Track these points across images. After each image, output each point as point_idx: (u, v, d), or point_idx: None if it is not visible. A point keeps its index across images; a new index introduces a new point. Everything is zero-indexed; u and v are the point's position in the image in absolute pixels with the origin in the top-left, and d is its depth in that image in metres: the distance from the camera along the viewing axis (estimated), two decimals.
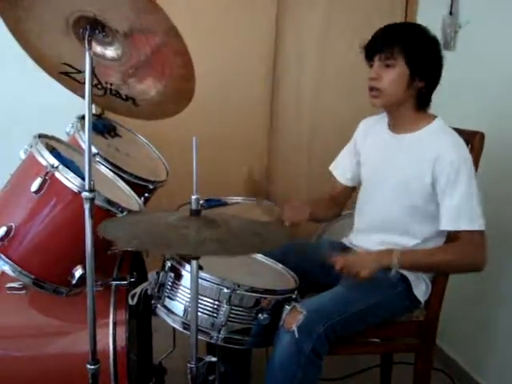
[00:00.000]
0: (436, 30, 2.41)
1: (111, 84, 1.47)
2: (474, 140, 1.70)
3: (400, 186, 1.69)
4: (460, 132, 1.70)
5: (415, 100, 1.68)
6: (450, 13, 2.38)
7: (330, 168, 2.00)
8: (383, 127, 1.80)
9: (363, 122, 1.93)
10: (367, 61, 1.69)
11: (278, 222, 1.79)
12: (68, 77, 1.46)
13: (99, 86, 1.46)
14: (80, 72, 1.43)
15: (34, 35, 1.38)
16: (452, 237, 1.65)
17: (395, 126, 1.75)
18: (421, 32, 1.67)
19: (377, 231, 1.77)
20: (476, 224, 1.58)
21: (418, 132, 1.69)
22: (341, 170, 1.97)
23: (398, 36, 1.64)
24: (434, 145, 1.63)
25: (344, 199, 2.01)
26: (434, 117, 1.71)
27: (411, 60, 1.61)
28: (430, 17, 2.55)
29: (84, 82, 1.29)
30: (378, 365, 2.19)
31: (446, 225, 1.61)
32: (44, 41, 1.40)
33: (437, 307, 1.75)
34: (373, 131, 1.85)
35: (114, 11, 1.24)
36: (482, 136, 1.71)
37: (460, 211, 1.58)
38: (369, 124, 1.90)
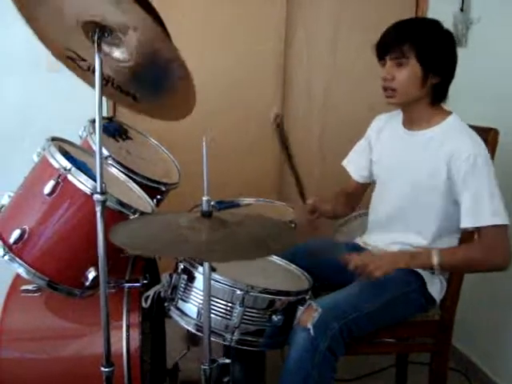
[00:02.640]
0: (447, 27, 2.41)
1: (113, 78, 1.47)
2: (488, 136, 1.68)
3: (415, 183, 1.68)
4: (473, 128, 1.69)
5: (431, 96, 1.66)
6: (462, 9, 2.36)
7: (343, 163, 1.99)
8: (398, 124, 1.78)
9: (377, 119, 1.92)
10: (379, 60, 1.67)
11: (294, 222, 1.78)
12: (74, 62, 1.47)
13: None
14: (83, 60, 1.44)
15: (44, 21, 1.37)
16: (472, 234, 1.61)
17: (410, 123, 1.74)
18: (432, 27, 1.64)
19: (390, 230, 1.76)
20: (499, 219, 1.54)
21: (433, 128, 1.67)
22: (354, 166, 1.96)
23: (409, 33, 1.62)
24: (448, 141, 1.61)
25: (359, 195, 2.00)
26: (449, 113, 1.69)
27: (423, 57, 1.59)
28: (441, 13, 2.52)
29: (86, 69, 1.31)
30: (394, 365, 2.18)
31: (467, 222, 1.57)
32: (53, 28, 1.40)
33: (452, 306, 1.74)
34: (387, 128, 1.84)
35: (119, 21, 1.25)
36: (495, 132, 1.69)
37: (482, 207, 1.55)
38: (382, 121, 1.88)
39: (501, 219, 1.54)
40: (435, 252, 1.58)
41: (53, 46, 1.47)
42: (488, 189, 1.55)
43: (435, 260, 1.56)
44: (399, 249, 1.71)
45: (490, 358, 2.28)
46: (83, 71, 1.47)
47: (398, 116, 1.79)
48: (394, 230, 1.75)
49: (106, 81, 1.47)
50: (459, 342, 2.39)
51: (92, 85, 1.46)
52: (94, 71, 1.35)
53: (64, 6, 1.28)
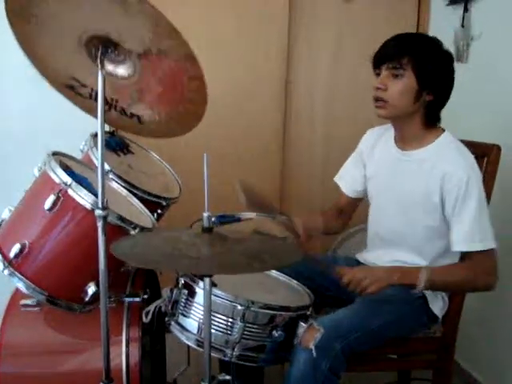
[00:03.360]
0: (448, 43, 2.40)
1: (117, 101, 1.46)
2: (490, 153, 1.69)
3: (409, 204, 1.67)
4: (475, 145, 1.69)
5: (423, 115, 1.63)
6: (462, 25, 2.37)
7: (335, 179, 1.97)
8: (390, 141, 1.76)
9: (369, 133, 1.89)
10: (374, 69, 1.64)
11: (293, 237, 1.77)
12: (73, 91, 1.46)
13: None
14: (84, 86, 1.44)
15: (44, 48, 1.38)
16: (464, 256, 1.62)
17: (402, 141, 1.71)
18: (433, 44, 1.62)
19: (390, 248, 1.75)
20: (488, 243, 1.55)
21: (425, 148, 1.65)
22: (346, 181, 1.94)
23: (409, 46, 1.59)
24: (441, 162, 1.59)
25: (350, 210, 1.98)
26: (442, 130, 1.67)
27: (421, 72, 1.56)
28: (442, 30, 2.55)
29: (87, 97, 1.29)
30: (396, 381, 2.16)
31: (459, 246, 1.57)
32: (53, 54, 1.40)
33: (454, 323, 1.73)
34: (379, 144, 1.81)
35: (131, 33, 1.25)
36: (498, 149, 1.69)
37: (472, 232, 1.56)
38: (375, 135, 1.85)
39: (489, 243, 1.55)
40: (424, 270, 1.57)
41: (52, 77, 1.47)
42: (478, 213, 1.55)
43: (423, 278, 1.55)
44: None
45: (494, 376, 2.26)
46: (83, 99, 1.47)
47: (390, 131, 1.77)
48: (393, 249, 1.74)
49: (108, 105, 1.46)
50: (463, 359, 2.38)
51: (92, 113, 1.46)
52: (95, 97, 1.35)
53: (67, 25, 1.28)
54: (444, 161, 1.59)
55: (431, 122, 1.65)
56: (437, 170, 1.59)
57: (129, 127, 1.57)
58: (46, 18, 1.28)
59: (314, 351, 1.42)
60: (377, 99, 1.62)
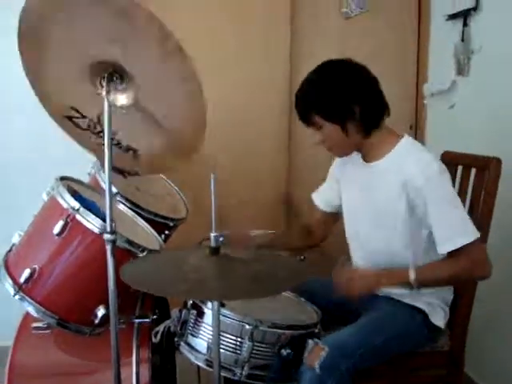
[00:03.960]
0: (449, 57, 2.45)
1: (114, 133, 1.45)
2: (490, 166, 1.70)
3: (377, 215, 1.68)
4: (475, 158, 1.70)
5: (362, 132, 1.63)
6: (462, 39, 2.39)
7: (312, 196, 1.99)
8: (358, 156, 1.76)
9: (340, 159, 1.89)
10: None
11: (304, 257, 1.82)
12: (71, 122, 1.48)
13: (101, 134, 1.46)
14: (84, 117, 1.46)
15: (48, 75, 1.40)
16: (453, 254, 1.61)
17: (365, 156, 1.73)
18: (322, 79, 1.62)
19: (377, 264, 1.71)
20: (472, 235, 1.55)
21: (386, 157, 1.66)
22: (321, 196, 1.96)
23: (307, 103, 1.63)
24: (399, 169, 1.60)
25: (323, 226, 1.98)
26: (400, 137, 1.67)
27: (329, 116, 1.60)
28: (443, 44, 2.57)
29: (86, 128, 1.33)
30: None
31: (444, 248, 1.58)
32: (57, 82, 1.42)
33: (462, 336, 1.74)
34: (350, 161, 1.80)
35: (138, 59, 1.28)
36: (498, 161, 1.70)
37: (452, 229, 1.57)
38: (343, 162, 1.85)
39: (473, 234, 1.55)
40: (412, 271, 1.57)
41: (53, 107, 1.48)
42: (452, 207, 1.56)
43: (412, 277, 1.56)
44: None
45: None
46: (81, 131, 1.48)
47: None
48: (376, 257, 1.73)
49: (87, 126, 1.47)
50: (474, 373, 2.36)
51: (87, 146, 1.50)
52: (93, 129, 1.40)
53: (75, 50, 1.32)
54: (402, 168, 1.60)
55: (372, 127, 1.65)
56: (397, 177, 1.60)
57: (122, 164, 1.57)
58: (55, 42, 1.31)
59: (317, 369, 1.43)
60: (327, 149, 1.69)
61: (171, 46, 1.22)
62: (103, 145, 1.32)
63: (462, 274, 1.60)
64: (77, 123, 1.48)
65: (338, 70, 1.63)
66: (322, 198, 1.96)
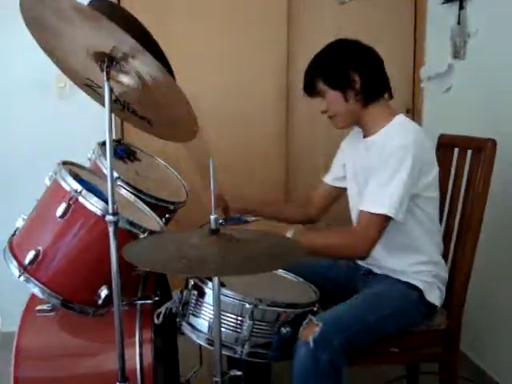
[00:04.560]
0: (445, 40, 2.46)
1: (128, 103, 1.54)
2: (486, 147, 1.72)
3: (363, 188, 1.72)
4: (471, 139, 1.72)
5: (362, 101, 1.71)
6: (459, 23, 2.41)
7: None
8: (360, 137, 1.83)
9: (351, 133, 1.95)
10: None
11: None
12: (91, 88, 1.55)
13: (118, 102, 1.54)
14: (100, 87, 1.51)
15: (61, 52, 1.47)
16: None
17: (365, 132, 1.79)
18: (326, 51, 1.75)
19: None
20: (379, 208, 1.59)
21: (379, 132, 1.72)
22: (329, 172, 2.02)
23: (312, 71, 1.74)
24: (384, 142, 1.66)
25: (322, 201, 2.03)
26: (396, 114, 1.73)
27: (330, 81, 1.70)
28: (439, 27, 2.59)
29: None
30: (405, 375, 2.19)
31: (361, 205, 1.64)
32: (69, 58, 1.48)
33: (458, 315, 1.76)
34: (354, 141, 1.88)
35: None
36: (493, 143, 1.72)
37: (371, 195, 1.63)
38: (353, 134, 1.93)
39: (381, 209, 1.59)
40: (289, 233, 1.64)
41: (72, 76, 1.57)
42: (389, 181, 1.59)
43: (290, 235, 1.63)
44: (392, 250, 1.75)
45: (503, 369, 2.28)
46: (101, 96, 1.54)
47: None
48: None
49: (122, 106, 1.56)
50: (472, 352, 2.41)
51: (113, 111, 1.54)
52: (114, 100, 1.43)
53: (75, 39, 1.35)
54: (386, 140, 1.66)
55: (373, 98, 1.73)
56: (380, 149, 1.66)
57: (142, 127, 1.67)
58: (57, 30, 1.34)
59: (311, 343, 1.46)
60: (329, 119, 1.77)
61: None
62: (121, 110, 1.44)
63: (338, 246, 1.67)
64: (95, 90, 1.55)
65: (344, 43, 1.75)
66: (329, 174, 2.01)
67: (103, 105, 1.34)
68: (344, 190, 1.94)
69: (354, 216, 1.85)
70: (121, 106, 1.56)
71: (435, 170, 1.70)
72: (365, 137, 1.79)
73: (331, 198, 2.01)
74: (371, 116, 1.73)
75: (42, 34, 1.39)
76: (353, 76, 1.69)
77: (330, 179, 2.00)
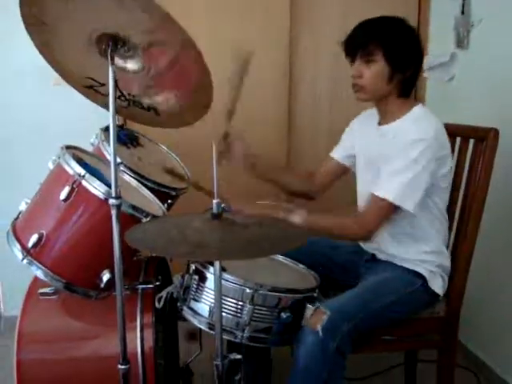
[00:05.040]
0: (449, 30, 2.46)
1: (133, 96, 1.53)
2: (488, 137, 1.72)
3: (376, 173, 1.71)
4: (474, 129, 1.73)
5: (398, 91, 1.70)
6: (462, 12, 2.40)
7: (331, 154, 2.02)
8: (374, 120, 1.82)
9: (362, 114, 1.95)
10: (347, 58, 1.71)
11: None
12: (92, 90, 1.53)
13: (122, 98, 1.52)
14: (103, 85, 1.50)
15: (59, 52, 1.44)
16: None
17: (381, 118, 1.78)
18: (398, 25, 1.68)
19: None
20: (388, 194, 1.60)
21: (398, 121, 1.71)
22: (336, 148, 2.00)
23: (375, 32, 1.66)
24: (401, 132, 1.66)
25: (327, 176, 2.00)
26: (416, 104, 1.73)
27: (390, 55, 1.64)
28: (443, 17, 2.58)
29: (107, 95, 1.35)
30: (403, 363, 2.21)
31: (372, 188, 1.65)
32: (68, 57, 1.46)
33: (457, 303, 1.77)
34: (366, 124, 1.87)
35: (133, 28, 1.30)
36: (496, 132, 1.72)
37: (383, 180, 1.63)
38: (365, 116, 1.92)
39: (389, 195, 1.60)
40: (300, 212, 1.65)
41: (72, 79, 1.54)
42: (402, 171, 1.60)
43: (297, 220, 1.64)
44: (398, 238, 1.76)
45: (500, 357, 2.29)
46: (104, 97, 1.51)
47: (375, 114, 1.83)
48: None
49: (128, 101, 1.54)
50: (469, 340, 2.42)
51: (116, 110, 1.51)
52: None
53: (75, 26, 1.34)
54: (404, 130, 1.65)
55: (406, 94, 1.73)
56: (396, 139, 1.66)
57: (147, 121, 1.65)
58: (55, 22, 1.33)
59: (320, 332, 1.48)
60: (354, 86, 1.70)
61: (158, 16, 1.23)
62: (126, 107, 1.42)
63: (336, 227, 1.68)
64: (98, 91, 1.53)
65: (415, 31, 1.72)
66: (338, 150, 1.99)
67: (106, 108, 1.33)
68: (348, 169, 1.95)
69: (360, 201, 1.86)
70: (125, 102, 1.55)
71: (450, 162, 1.71)
72: (380, 123, 1.78)
73: (335, 175, 1.99)
74: (395, 105, 1.72)
75: (41, 35, 1.37)
76: (411, 64, 1.67)
77: (339, 155, 1.97)
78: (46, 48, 1.42)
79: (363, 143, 1.85)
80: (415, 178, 1.59)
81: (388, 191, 1.61)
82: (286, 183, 2.01)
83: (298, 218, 1.65)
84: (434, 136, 1.61)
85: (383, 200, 1.62)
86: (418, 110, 1.70)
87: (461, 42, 2.43)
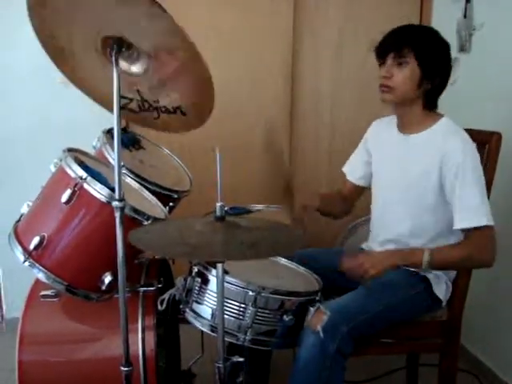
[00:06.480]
0: (451, 33, 2.46)
1: (156, 102, 1.50)
2: (491, 141, 1.72)
3: (409, 186, 1.72)
4: (476, 133, 1.72)
5: (423, 101, 1.71)
6: (465, 16, 2.40)
7: (343, 169, 2.04)
8: (393, 128, 1.82)
9: (374, 123, 1.96)
10: (379, 60, 1.72)
11: (296, 223, 1.83)
12: (127, 110, 1.52)
13: (151, 108, 1.52)
14: (131, 100, 1.50)
15: (83, 73, 1.46)
16: (465, 234, 1.65)
17: (403, 127, 1.78)
18: (433, 34, 1.70)
19: (388, 230, 1.80)
20: (485, 220, 1.59)
21: (426, 131, 1.71)
22: (351, 168, 2.01)
23: (411, 36, 1.68)
24: (440, 144, 1.65)
25: (353, 198, 2.03)
26: (441, 116, 1.73)
27: (423, 60, 1.65)
28: (445, 20, 2.58)
29: (137, 110, 1.34)
30: (404, 367, 2.20)
31: (459, 224, 1.62)
32: (95, 77, 1.47)
33: (459, 306, 1.76)
34: (384, 132, 1.88)
35: (141, 33, 1.31)
36: (499, 136, 1.72)
37: (470, 210, 1.60)
38: (381, 125, 1.93)
39: (489, 220, 1.59)
40: (427, 252, 1.61)
41: (104, 101, 1.52)
42: (477, 191, 1.59)
43: (425, 259, 1.61)
44: (394, 247, 1.76)
45: (501, 359, 2.29)
46: (136, 114, 1.53)
47: (394, 120, 1.84)
48: (393, 235, 1.78)
49: (156, 110, 1.52)
50: (470, 343, 2.42)
51: (153, 126, 1.55)
52: (143, 107, 1.44)
53: (83, 29, 1.34)
54: (443, 143, 1.65)
55: (430, 107, 1.73)
56: (435, 151, 1.65)
57: (175, 125, 1.60)
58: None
59: (321, 333, 1.47)
60: (383, 86, 1.70)
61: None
62: (157, 118, 1.43)
63: (468, 259, 1.63)
64: (130, 108, 1.52)
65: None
66: (351, 170, 2.01)
67: (139, 124, 1.34)
68: (368, 189, 1.97)
69: (376, 204, 1.88)
70: (154, 111, 1.52)
71: None
72: (403, 132, 1.78)
73: (356, 194, 2.03)
74: (420, 116, 1.72)
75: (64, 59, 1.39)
76: (440, 73, 1.69)
77: (353, 178, 2.00)
78: (75, 76, 1.45)
79: (387, 157, 1.85)
80: (484, 193, 1.62)
81: (481, 219, 1.59)
82: (331, 210, 2.02)
83: (425, 258, 1.62)
84: (472, 145, 1.64)
85: (485, 228, 1.60)
86: (445, 120, 1.71)
87: (463, 46, 2.43)
